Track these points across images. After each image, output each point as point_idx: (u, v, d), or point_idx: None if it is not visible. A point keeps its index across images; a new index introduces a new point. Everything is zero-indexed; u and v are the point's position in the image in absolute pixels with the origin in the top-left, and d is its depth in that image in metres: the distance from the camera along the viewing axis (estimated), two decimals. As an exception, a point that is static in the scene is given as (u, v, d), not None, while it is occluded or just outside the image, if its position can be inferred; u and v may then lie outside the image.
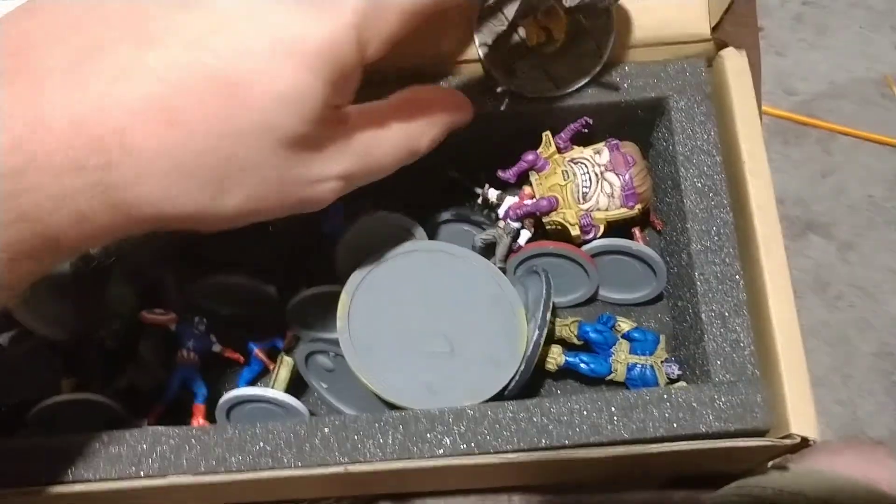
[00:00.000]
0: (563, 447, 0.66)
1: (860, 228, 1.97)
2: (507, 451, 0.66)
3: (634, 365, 0.76)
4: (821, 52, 2.15)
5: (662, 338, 0.79)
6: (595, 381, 0.79)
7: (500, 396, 0.71)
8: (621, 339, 0.78)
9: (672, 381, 0.76)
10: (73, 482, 0.66)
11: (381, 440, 0.66)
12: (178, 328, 0.81)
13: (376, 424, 0.67)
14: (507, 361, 0.73)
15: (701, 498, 0.86)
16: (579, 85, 0.75)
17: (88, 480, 0.66)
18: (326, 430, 0.67)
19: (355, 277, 0.75)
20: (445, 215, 0.83)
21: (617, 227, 0.80)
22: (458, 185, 0.87)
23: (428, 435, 0.66)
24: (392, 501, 0.86)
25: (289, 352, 0.83)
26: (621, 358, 0.76)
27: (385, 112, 0.54)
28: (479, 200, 0.84)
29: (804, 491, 0.70)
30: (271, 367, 0.81)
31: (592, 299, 0.84)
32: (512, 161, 0.83)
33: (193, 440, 0.67)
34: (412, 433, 0.66)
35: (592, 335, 0.77)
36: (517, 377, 0.72)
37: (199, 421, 0.78)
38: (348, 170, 0.50)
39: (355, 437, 0.67)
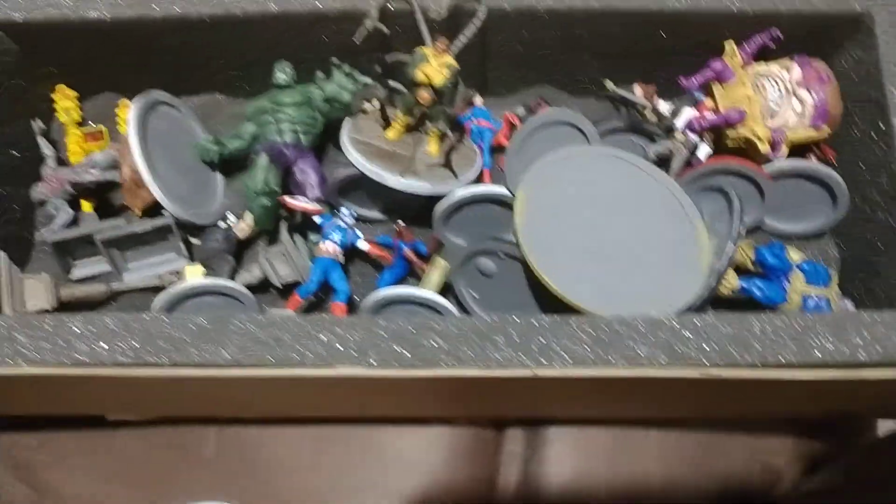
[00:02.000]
0: (773, 366, 0.60)
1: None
2: (708, 365, 0.61)
3: (810, 296, 0.72)
4: None
5: (834, 273, 0.74)
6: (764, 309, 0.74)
7: (682, 310, 0.66)
8: (795, 269, 0.73)
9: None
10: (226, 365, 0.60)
11: (569, 345, 0.60)
12: (322, 219, 0.74)
13: (566, 327, 0.61)
14: (689, 275, 0.68)
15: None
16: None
17: (240, 365, 0.60)
18: (511, 330, 0.61)
19: (532, 175, 0.69)
20: (614, 123, 0.77)
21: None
22: (615, 96, 0.82)
23: (628, 342, 0.61)
24: (524, 428, 0.81)
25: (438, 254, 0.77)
26: (797, 287, 0.72)
27: None
28: (648, 112, 0.78)
29: None
30: (423, 268, 0.75)
31: (756, 228, 0.79)
32: (670, 72, 0.78)
33: (356, 329, 0.61)
34: (605, 341, 0.61)
35: (770, 260, 0.72)
36: (706, 291, 0.66)
37: (338, 320, 0.72)
38: None
39: (541, 338, 0.61)
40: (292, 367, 0.61)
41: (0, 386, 0.65)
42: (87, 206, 0.78)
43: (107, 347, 0.61)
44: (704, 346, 0.61)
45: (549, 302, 0.68)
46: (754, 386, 0.63)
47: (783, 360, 0.60)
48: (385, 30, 0.70)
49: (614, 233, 0.69)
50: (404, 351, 0.61)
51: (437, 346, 0.61)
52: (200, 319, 0.61)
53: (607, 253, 0.68)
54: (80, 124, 0.83)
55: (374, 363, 0.60)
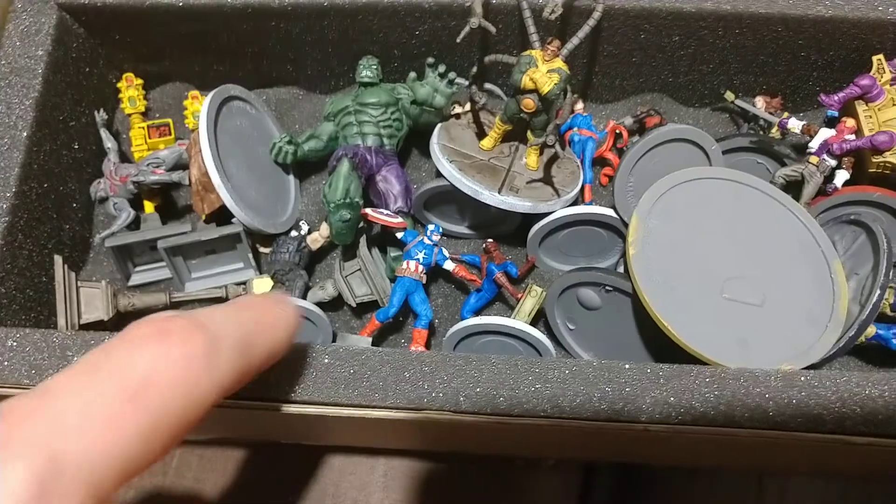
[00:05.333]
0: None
1: None
2: (847, 432, 0.52)
3: (958, 349, 0.62)
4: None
5: None
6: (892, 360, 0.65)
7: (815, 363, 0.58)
8: (942, 319, 0.64)
9: None
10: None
11: (688, 399, 0.53)
12: (406, 235, 0.67)
13: (685, 379, 0.53)
14: (825, 321, 0.59)
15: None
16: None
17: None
18: (622, 378, 0.53)
19: (648, 199, 0.61)
20: (738, 141, 0.68)
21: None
22: (734, 109, 0.74)
23: (757, 400, 0.53)
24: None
25: (523, 279, 0.69)
26: (944, 339, 0.63)
27: None
28: (773, 132, 0.70)
29: None
30: (513, 294, 0.67)
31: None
32: (801, 86, 0.70)
33: (445, 369, 0.54)
34: (731, 397, 0.53)
35: (914, 305, 0.63)
36: (844, 342, 0.58)
37: (418, 347, 0.65)
38: None
39: (656, 391, 0.53)
40: (370, 409, 0.54)
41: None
42: (149, 206, 0.71)
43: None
44: (844, 409, 0.53)
45: (658, 343, 0.60)
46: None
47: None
48: (492, 29, 0.63)
49: (743, 271, 0.60)
50: (501, 396, 0.53)
51: (535, 390, 0.53)
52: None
53: (737, 296, 0.59)
54: (144, 115, 0.77)
55: (465, 407, 0.53)
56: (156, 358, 0.31)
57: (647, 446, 0.60)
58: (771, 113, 0.71)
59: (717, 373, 0.53)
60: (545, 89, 0.60)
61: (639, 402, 0.52)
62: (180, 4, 0.67)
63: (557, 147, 0.62)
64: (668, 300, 0.58)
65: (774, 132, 0.70)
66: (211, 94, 0.68)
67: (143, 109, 0.76)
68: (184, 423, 0.32)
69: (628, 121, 0.73)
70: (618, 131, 0.73)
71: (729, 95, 0.72)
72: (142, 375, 0.30)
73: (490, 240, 0.69)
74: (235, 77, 0.75)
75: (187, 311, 0.37)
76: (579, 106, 0.74)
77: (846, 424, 0.52)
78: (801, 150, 0.68)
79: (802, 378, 0.53)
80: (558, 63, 0.61)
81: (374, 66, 0.70)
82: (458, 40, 0.63)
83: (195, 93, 0.77)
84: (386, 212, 0.67)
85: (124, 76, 0.76)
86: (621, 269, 0.68)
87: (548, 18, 0.61)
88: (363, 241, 0.68)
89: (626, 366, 0.54)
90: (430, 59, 0.68)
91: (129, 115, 0.76)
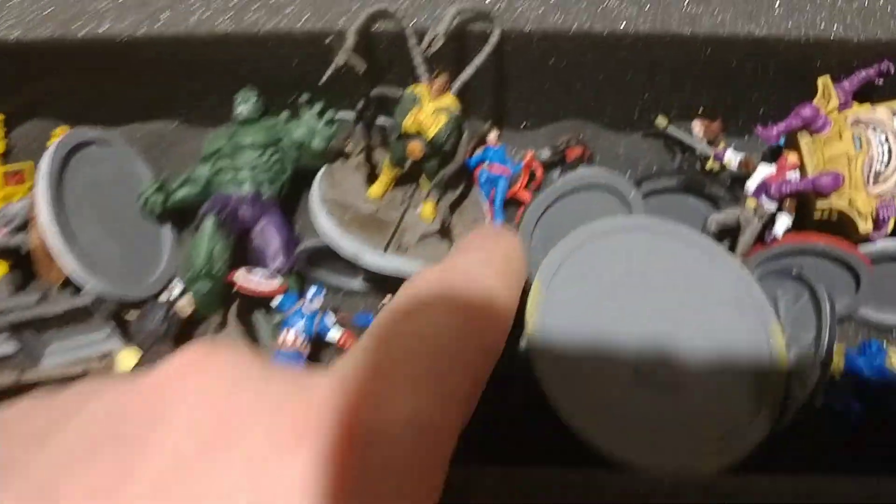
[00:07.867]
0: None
1: None
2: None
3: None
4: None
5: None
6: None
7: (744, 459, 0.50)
8: (899, 379, 0.56)
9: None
10: None
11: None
12: (283, 301, 0.58)
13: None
14: (756, 405, 0.51)
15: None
16: None
17: None
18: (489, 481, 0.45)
19: (552, 260, 0.52)
20: (664, 182, 0.59)
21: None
22: (669, 140, 0.65)
23: (664, 512, 0.44)
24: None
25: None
26: (903, 407, 0.54)
27: None
28: (710, 165, 0.61)
29: None
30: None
31: (846, 317, 0.62)
32: (743, 109, 0.61)
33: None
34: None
35: (866, 370, 0.55)
36: (779, 427, 0.50)
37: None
38: None
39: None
40: None
41: None
42: (0, 267, 0.63)
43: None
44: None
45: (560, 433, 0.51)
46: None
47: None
48: (360, 66, 0.54)
49: (660, 344, 0.52)
50: None
51: None
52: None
53: (652, 377, 0.51)
54: (5, 157, 0.68)
55: None
56: None
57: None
58: (710, 141, 0.62)
59: (622, 480, 0.45)
60: (430, 133, 0.51)
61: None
62: (23, 40, 0.58)
63: (445, 199, 0.53)
64: (567, 385, 0.49)
65: (712, 163, 0.61)
66: (55, 143, 0.59)
67: (2, 150, 0.67)
68: None
69: (545, 153, 0.64)
70: (532, 169, 0.64)
71: (660, 122, 0.63)
72: None
73: (389, 295, 0.60)
74: (107, 109, 0.67)
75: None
76: (492, 136, 0.65)
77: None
78: (742, 182, 0.59)
79: (720, 485, 0.45)
80: (448, 100, 0.52)
81: (253, 101, 0.61)
82: (320, 83, 0.54)
83: (64, 128, 0.68)
84: (259, 274, 0.58)
85: (-22, 115, 0.67)
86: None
87: (425, 54, 0.52)
88: (233, 310, 0.59)
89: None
90: (305, 96, 0.59)
91: (-16, 159, 0.67)
